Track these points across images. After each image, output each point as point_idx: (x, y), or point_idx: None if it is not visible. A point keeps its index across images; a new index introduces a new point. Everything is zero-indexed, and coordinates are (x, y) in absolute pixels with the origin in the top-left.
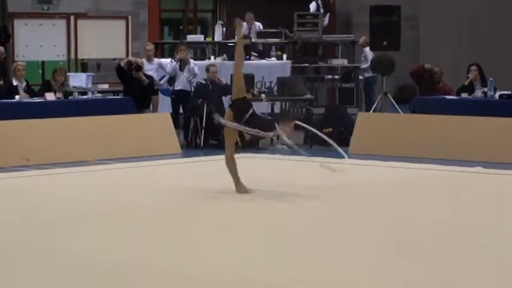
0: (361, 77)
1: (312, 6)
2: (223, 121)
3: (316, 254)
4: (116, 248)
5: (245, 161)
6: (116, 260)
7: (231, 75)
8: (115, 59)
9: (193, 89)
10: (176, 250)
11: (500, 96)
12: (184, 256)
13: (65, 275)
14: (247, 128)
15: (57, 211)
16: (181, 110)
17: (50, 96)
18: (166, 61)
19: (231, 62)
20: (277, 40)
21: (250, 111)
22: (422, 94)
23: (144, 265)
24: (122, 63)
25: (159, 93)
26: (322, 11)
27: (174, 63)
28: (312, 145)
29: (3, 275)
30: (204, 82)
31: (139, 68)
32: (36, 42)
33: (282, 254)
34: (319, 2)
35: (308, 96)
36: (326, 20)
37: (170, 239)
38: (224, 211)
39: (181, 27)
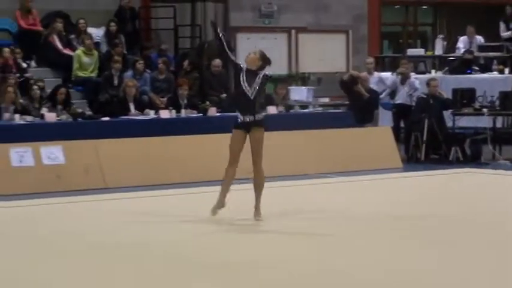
0: None
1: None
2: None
3: None
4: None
5: (466, 176)
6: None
7: (452, 89)
8: (336, 73)
9: (413, 103)
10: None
11: None
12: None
13: None
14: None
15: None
16: (402, 124)
17: (271, 110)
18: (386, 75)
19: (452, 76)
20: (498, 54)
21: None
22: None
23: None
24: (345, 77)
25: (380, 106)
26: None
27: (395, 77)
28: None
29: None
30: (425, 96)
31: (355, 81)
32: None
33: None
34: None
35: None
36: None
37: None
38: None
39: (400, 40)
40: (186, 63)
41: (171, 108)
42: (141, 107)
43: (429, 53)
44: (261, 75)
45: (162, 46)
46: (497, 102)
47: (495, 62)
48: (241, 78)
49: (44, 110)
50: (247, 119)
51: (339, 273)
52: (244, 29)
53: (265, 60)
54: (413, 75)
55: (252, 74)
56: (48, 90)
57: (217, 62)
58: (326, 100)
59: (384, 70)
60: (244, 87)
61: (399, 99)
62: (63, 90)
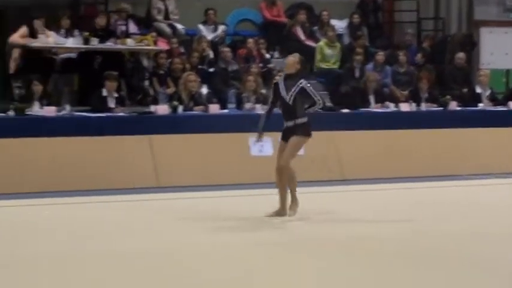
0: None
1: None
2: None
3: None
4: None
5: None
6: None
7: None
8: None
9: None
10: None
11: None
12: None
13: None
14: None
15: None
16: None
17: None
18: None
19: None
20: None
21: None
22: None
23: None
24: None
25: None
26: None
27: None
28: None
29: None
30: None
31: None
32: (501, 50)
33: None
34: None
35: None
36: None
37: None
38: None
39: None
40: (419, 56)
41: (411, 101)
42: (381, 100)
43: None
44: (299, 86)
45: (405, 39)
46: None
47: None
48: (280, 87)
49: None
50: (289, 124)
51: None
52: (488, 23)
53: (302, 65)
54: None
55: (291, 79)
56: None
57: (461, 55)
58: None
59: None
60: (283, 95)
61: None
62: None
